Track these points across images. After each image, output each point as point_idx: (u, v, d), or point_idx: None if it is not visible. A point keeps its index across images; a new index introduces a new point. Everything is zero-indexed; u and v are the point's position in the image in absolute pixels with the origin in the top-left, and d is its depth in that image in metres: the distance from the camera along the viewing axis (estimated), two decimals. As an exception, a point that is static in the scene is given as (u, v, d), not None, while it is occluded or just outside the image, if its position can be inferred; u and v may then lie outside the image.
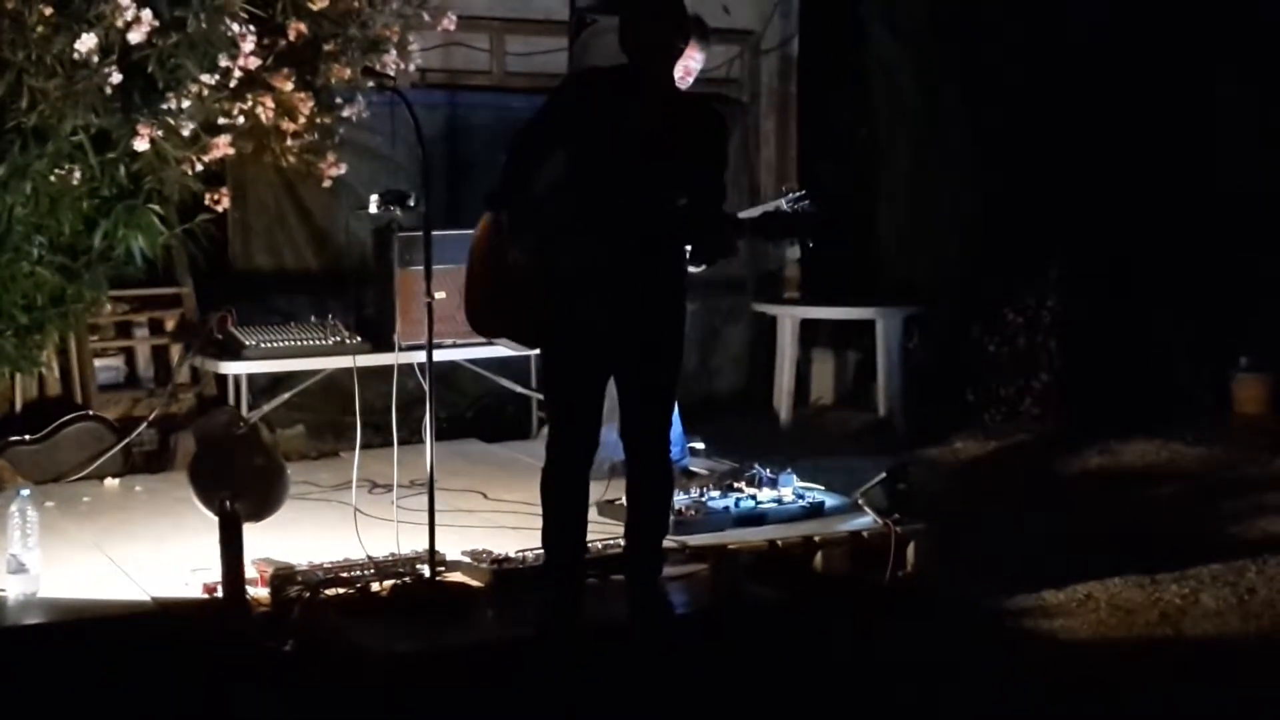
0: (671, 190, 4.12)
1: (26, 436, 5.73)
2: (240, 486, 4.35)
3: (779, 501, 5.07)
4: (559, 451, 4.19)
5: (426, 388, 4.49)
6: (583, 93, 4.20)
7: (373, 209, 6.03)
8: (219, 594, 4.12)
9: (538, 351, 4.44)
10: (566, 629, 4.14)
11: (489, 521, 5.03)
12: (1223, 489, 6.40)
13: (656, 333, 4.16)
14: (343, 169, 5.83)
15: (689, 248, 4.24)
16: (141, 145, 5.08)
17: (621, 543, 4.42)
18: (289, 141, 5.59)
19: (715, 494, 5.08)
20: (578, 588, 4.25)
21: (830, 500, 5.13)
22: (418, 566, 4.36)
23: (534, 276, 4.08)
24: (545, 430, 6.45)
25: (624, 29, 4.10)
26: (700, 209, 4.13)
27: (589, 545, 4.44)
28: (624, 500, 4.51)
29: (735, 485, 5.17)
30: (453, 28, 5.99)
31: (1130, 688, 4.24)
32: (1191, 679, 4.31)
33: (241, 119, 5.36)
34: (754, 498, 5.07)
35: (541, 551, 4.31)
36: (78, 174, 5.17)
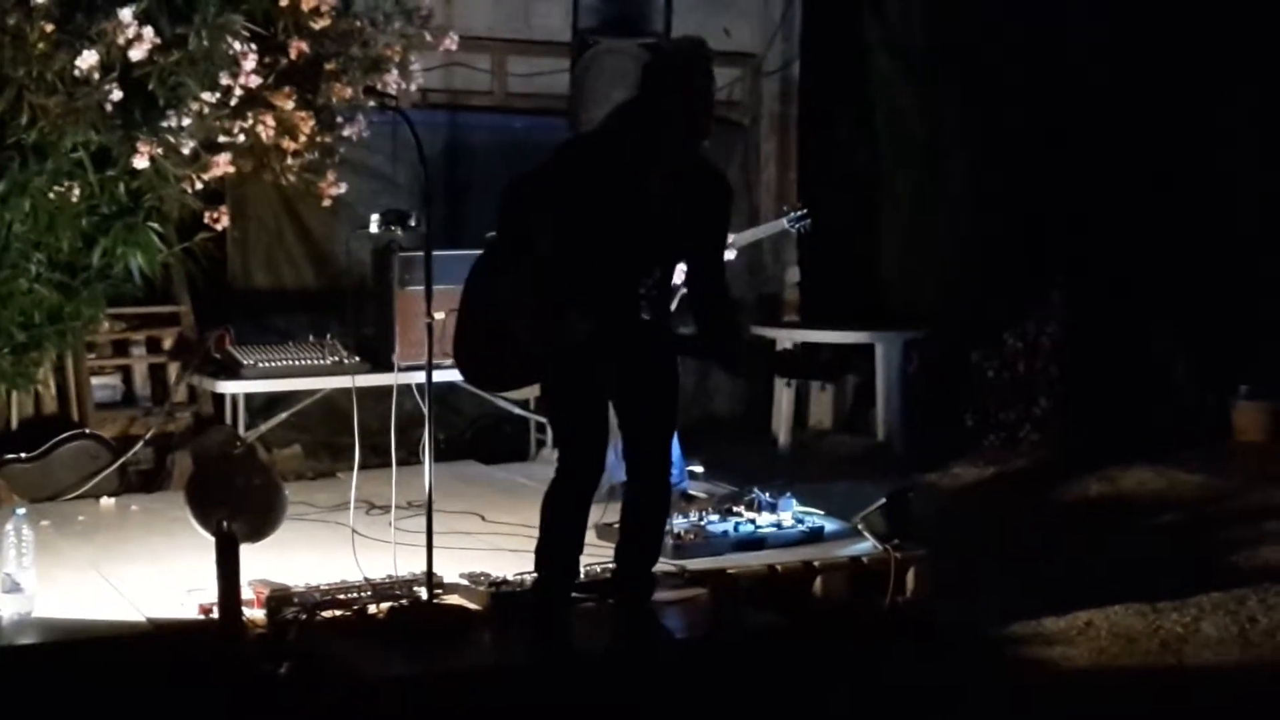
0: (673, 256, 4.12)
1: (22, 454, 5.70)
2: (237, 506, 4.33)
3: (778, 526, 5.04)
4: (566, 474, 4.17)
5: (425, 409, 4.46)
6: (598, 158, 4.09)
7: (373, 228, 6.02)
8: (215, 615, 4.08)
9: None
10: (559, 651, 4.12)
11: (487, 544, 5.00)
12: (1223, 517, 6.38)
13: (649, 367, 4.15)
14: (343, 188, 5.82)
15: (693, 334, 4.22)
16: (141, 163, 5.07)
17: (620, 566, 4.40)
18: (289, 160, 5.57)
19: (714, 518, 5.06)
20: (570, 609, 4.24)
21: (830, 525, 5.11)
22: (415, 589, 4.33)
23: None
24: (543, 452, 6.48)
25: (658, 102, 3.98)
26: (699, 278, 4.11)
27: (587, 569, 4.43)
28: (620, 523, 4.50)
29: (734, 509, 5.15)
30: (454, 48, 5.98)
31: (1131, 716, 4.21)
32: (1192, 708, 4.28)
33: (242, 137, 5.34)
34: (753, 522, 5.05)
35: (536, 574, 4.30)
36: (77, 191, 5.15)
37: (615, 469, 4.53)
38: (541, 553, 4.22)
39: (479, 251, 4.41)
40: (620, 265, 4.02)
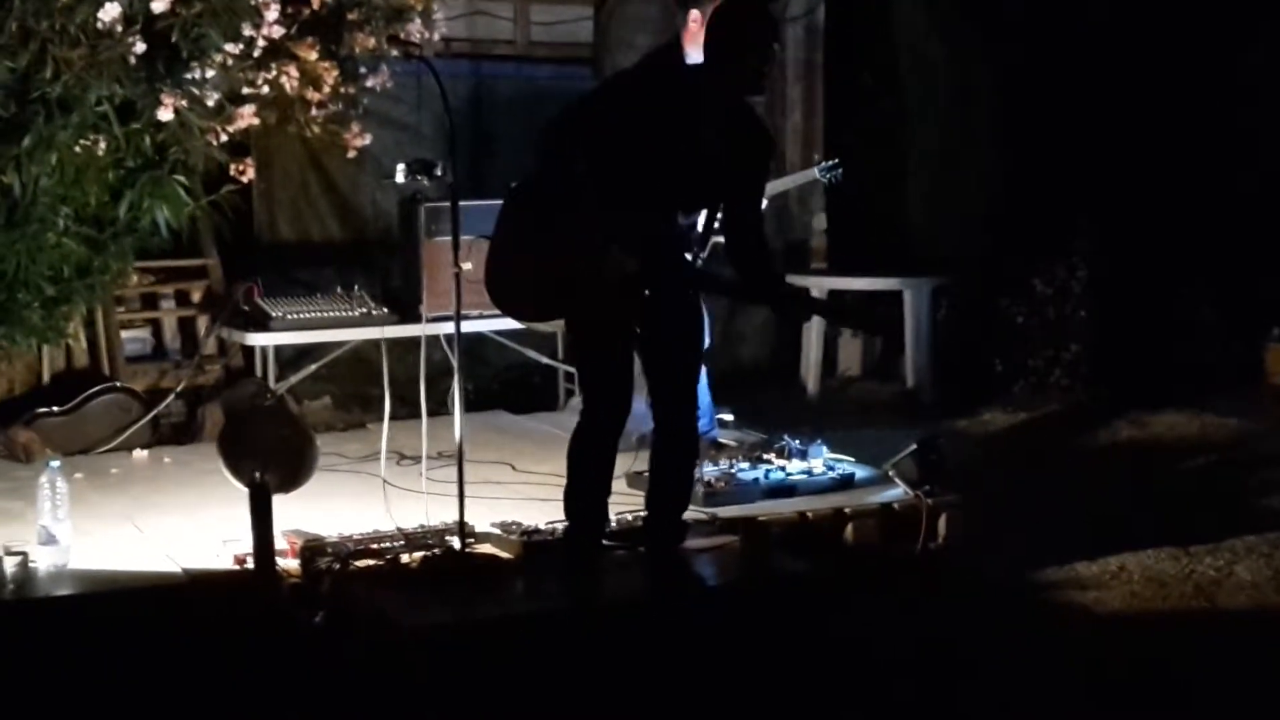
0: (713, 200, 4.11)
1: (54, 408, 5.73)
2: (269, 458, 4.33)
3: (809, 473, 5.04)
4: (588, 419, 4.19)
5: (454, 359, 4.46)
6: (654, 99, 4.07)
7: (399, 179, 5.99)
8: (249, 565, 4.11)
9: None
10: (588, 597, 4.14)
11: (518, 493, 5.01)
12: (1255, 460, 6.34)
13: (679, 313, 4.14)
14: (367, 139, 5.79)
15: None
16: (166, 115, 5.05)
17: (651, 514, 4.40)
18: (313, 111, 5.55)
19: (745, 465, 5.06)
20: (599, 556, 4.25)
21: (860, 472, 5.10)
22: (447, 538, 4.35)
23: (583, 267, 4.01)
24: (573, 402, 6.49)
25: (722, 50, 3.99)
26: (736, 225, 4.10)
27: (619, 517, 4.44)
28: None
29: (765, 457, 5.15)
30: (477, -4, 5.94)
31: (1166, 660, 4.20)
32: (1227, 651, 4.27)
33: (266, 89, 5.31)
34: (784, 469, 5.05)
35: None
36: (103, 144, 5.14)
37: (644, 418, 4.52)
38: (569, 499, 4.24)
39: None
40: (662, 204, 4.00)
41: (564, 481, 4.29)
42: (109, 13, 4.82)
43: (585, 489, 4.22)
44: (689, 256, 4.09)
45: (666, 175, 3.98)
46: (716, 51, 4.02)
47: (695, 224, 4.17)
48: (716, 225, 4.24)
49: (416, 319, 5.52)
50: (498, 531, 4.46)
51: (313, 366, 6.20)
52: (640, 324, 4.10)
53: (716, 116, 4.00)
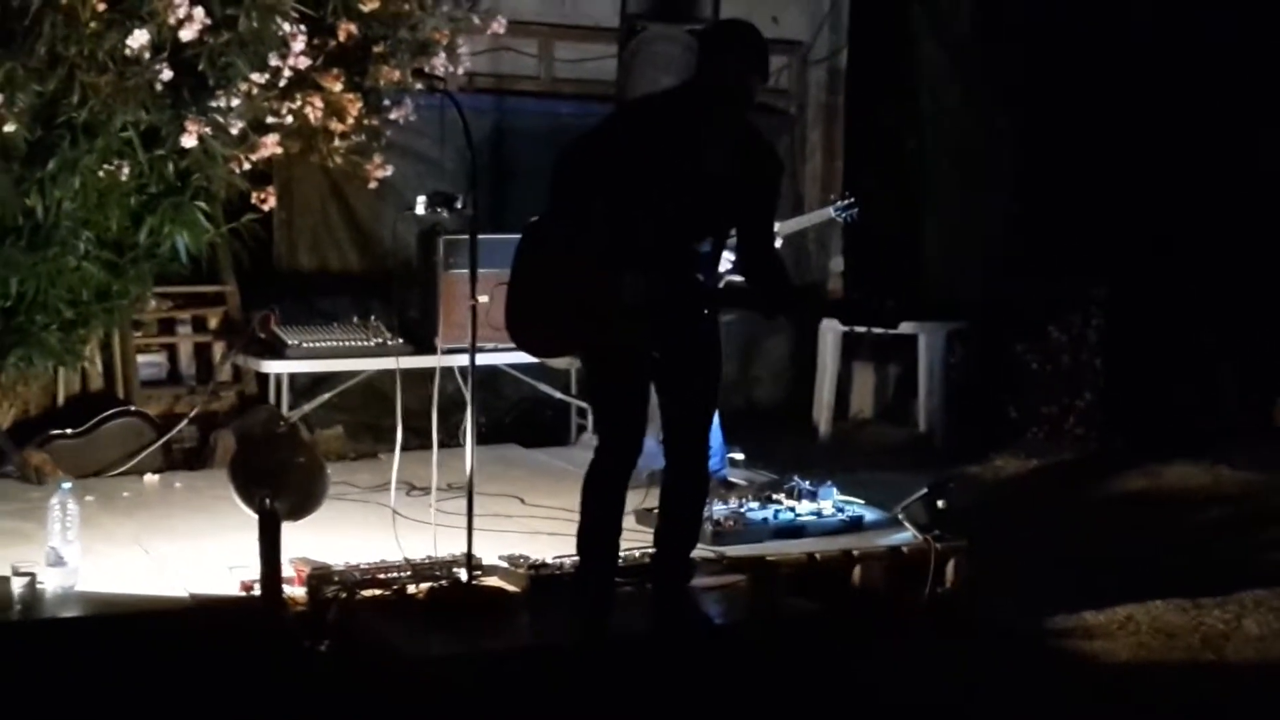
0: (725, 223, 4.12)
1: (68, 430, 5.75)
2: (280, 485, 4.35)
3: (818, 514, 5.04)
4: (604, 456, 4.18)
5: (468, 392, 4.48)
6: (655, 125, 4.10)
7: (419, 210, 6.03)
8: (256, 592, 4.11)
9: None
10: (597, 634, 4.13)
11: (526, 527, 5.02)
12: (1267, 513, 6.32)
13: (695, 347, 4.15)
14: (389, 171, 5.83)
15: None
16: (190, 142, 5.10)
17: (659, 551, 4.39)
18: (336, 142, 5.59)
19: (754, 505, 5.06)
20: (610, 593, 4.24)
21: (870, 515, 5.10)
22: (454, 570, 4.35)
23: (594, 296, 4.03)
24: (584, 437, 6.50)
25: (710, 66, 4.03)
26: (751, 246, 4.13)
27: (626, 553, 4.44)
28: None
29: (774, 497, 5.15)
30: (502, 32, 5.98)
31: (1171, 712, 4.18)
32: (1234, 705, 4.25)
33: (290, 118, 5.36)
34: (793, 510, 5.05)
35: (577, 557, 4.30)
36: (126, 170, 5.19)
37: (654, 456, 4.53)
38: (583, 536, 4.23)
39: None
40: (674, 228, 4.01)
41: (572, 516, 4.28)
42: (137, 40, 4.87)
43: (600, 527, 4.20)
44: (702, 278, 4.11)
45: (677, 199, 4.00)
46: (706, 70, 4.06)
47: (709, 249, 4.18)
48: (729, 264, 4.25)
49: (431, 350, 5.54)
50: (505, 564, 4.47)
51: (326, 395, 6.22)
52: (658, 349, 4.10)
53: (718, 136, 4.03)
